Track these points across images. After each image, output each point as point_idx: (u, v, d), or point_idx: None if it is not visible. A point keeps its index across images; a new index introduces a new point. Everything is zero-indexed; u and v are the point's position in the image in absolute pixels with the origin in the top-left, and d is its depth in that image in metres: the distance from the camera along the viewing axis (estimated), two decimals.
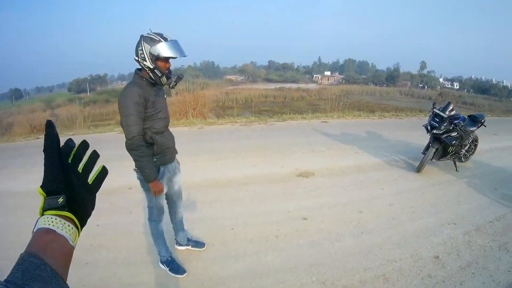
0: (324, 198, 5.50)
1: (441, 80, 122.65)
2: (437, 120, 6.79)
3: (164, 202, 3.58)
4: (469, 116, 7.96)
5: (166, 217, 3.77)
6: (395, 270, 3.90)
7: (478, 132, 7.85)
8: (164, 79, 3.06)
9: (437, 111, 6.88)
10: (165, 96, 3.38)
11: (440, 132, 6.71)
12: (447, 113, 6.84)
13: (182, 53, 2.99)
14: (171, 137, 3.47)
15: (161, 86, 3.20)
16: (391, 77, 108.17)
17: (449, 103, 7.14)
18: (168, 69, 3.10)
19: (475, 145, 8.19)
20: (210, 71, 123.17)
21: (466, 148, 7.76)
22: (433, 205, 5.63)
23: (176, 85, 3.25)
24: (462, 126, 7.06)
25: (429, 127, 6.88)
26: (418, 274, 3.84)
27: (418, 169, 7.00)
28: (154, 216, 3.54)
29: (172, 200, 3.81)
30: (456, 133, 6.90)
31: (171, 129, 3.54)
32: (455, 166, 7.50)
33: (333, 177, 6.39)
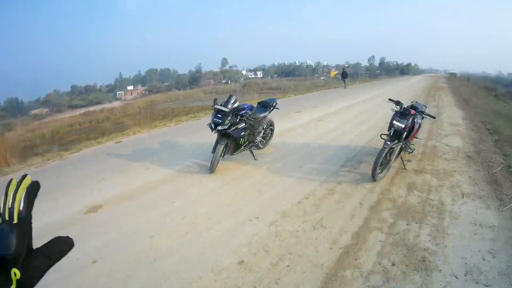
0: (114, 232, 4.78)
1: (244, 72, 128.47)
2: (220, 116, 6.56)
3: None
4: (258, 103, 8.01)
5: None
6: None
7: (279, 113, 7.88)
8: None
9: (218, 107, 6.65)
10: None
11: (226, 127, 6.49)
12: (229, 106, 6.66)
13: None
14: None
15: None
16: (194, 79, 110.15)
17: (230, 96, 6.98)
18: None
19: (272, 129, 8.30)
20: (15, 108, 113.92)
21: (261, 134, 7.77)
22: (229, 204, 5.35)
23: None
24: (250, 115, 7.02)
25: (213, 125, 6.60)
26: None
27: (211, 170, 6.69)
28: None
29: None
30: (244, 124, 6.79)
31: None
32: (253, 155, 7.43)
33: (123, 203, 5.66)
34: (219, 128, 6.48)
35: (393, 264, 3.80)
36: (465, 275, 3.61)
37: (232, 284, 3.51)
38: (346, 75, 33.53)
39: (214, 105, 6.79)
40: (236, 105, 6.85)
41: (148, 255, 4.13)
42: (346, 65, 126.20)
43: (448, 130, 10.97)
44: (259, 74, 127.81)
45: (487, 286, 3.46)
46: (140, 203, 5.53)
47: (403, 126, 6.30)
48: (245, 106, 7.10)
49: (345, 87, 32.42)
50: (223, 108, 6.59)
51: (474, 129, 11.30)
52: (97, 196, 5.83)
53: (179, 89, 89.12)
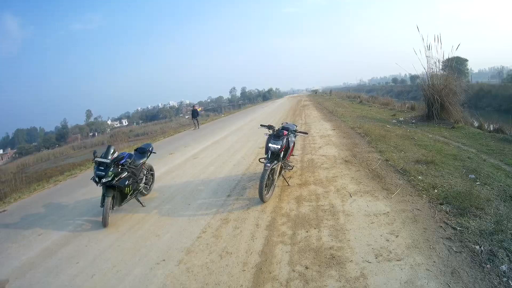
0: None
1: (109, 122, 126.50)
2: (102, 168, 6.35)
3: None
4: (135, 150, 7.97)
5: None
6: None
7: (154, 158, 7.78)
8: None
9: (99, 159, 6.46)
10: None
11: (110, 179, 6.31)
12: (109, 157, 6.51)
13: None
14: None
15: None
16: (61, 135, 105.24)
17: (109, 147, 6.81)
18: None
19: (152, 174, 8.27)
20: None
21: (144, 180, 7.68)
22: (133, 254, 5.17)
23: None
24: (130, 163, 6.92)
25: (97, 179, 6.34)
26: None
27: (104, 224, 6.39)
28: None
29: None
30: (126, 173, 6.70)
31: None
32: (140, 203, 7.27)
33: (28, 274, 5.08)
34: (104, 180, 6.26)
35: (307, 268, 4.00)
36: (376, 258, 3.95)
37: None
38: (197, 113, 29.17)
39: (94, 158, 6.56)
40: (115, 155, 6.70)
41: None
42: (179, 104, 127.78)
43: (321, 142, 11.68)
44: (124, 122, 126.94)
45: (399, 260, 3.83)
46: (44, 270, 5.12)
47: (279, 147, 6.64)
48: (125, 155, 6.98)
49: (197, 127, 27.89)
50: (104, 160, 6.40)
51: (345, 136, 12.20)
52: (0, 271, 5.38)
53: (48, 148, 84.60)
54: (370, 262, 3.86)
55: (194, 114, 28.69)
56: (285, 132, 6.94)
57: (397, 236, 4.34)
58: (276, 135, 6.86)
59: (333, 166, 8.16)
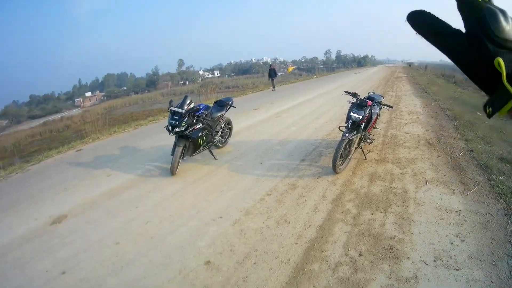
0: (79, 242, 4.55)
1: (201, 72, 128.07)
2: (176, 117, 6.41)
3: None
4: (215, 102, 7.97)
5: None
6: None
7: (237, 111, 7.77)
8: None
9: (174, 109, 6.50)
10: None
11: (183, 129, 6.38)
12: (185, 107, 6.55)
13: None
14: None
15: None
16: (151, 82, 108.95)
17: (185, 97, 6.85)
18: None
19: (230, 128, 8.27)
20: None
21: (220, 133, 7.69)
22: (193, 206, 5.23)
23: None
24: (206, 115, 6.94)
25: (170, 128, 6.44)
26: None
27: (172, 172, 6.51)
28: None
29: None
30: (201, 125, 6.72)
31: None
32: (213, 155, 7.35)
33: (87, 212, 5.42)
34: (176, 130, 6.36)
35: (360, 255, 3.78)
36: (435, 261, 3.62)
37: (201, 285, 3.42)
38: (275, 73, 25.88)
39: (169, 107, 6.63)
40: (191, 106, 6.77)
41: (115, 262, 3.97)
42: (273, 61, 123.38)
43: (408, 118, 11.15)
44: (216, 73, 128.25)
45: (457, 270, 3.47)
46: (103, 211, 5.35)
47: (360, 117, 6.33)
48: (201, 107, 7.05)
49: (273, 89, 25.34)
50: (179, 110, 6.45)
51: (433, 116, 11.54)
52: (61, 207, 5.61)
53: (137, 93, 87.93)
54: (427, 264, 3.56)
55: (271, 74, 25.37)
56: (369, 102, 6.57)
57: (462, 241, 3.96)
58: (359, 104, 6.54)
59: (415, 147, 7.73)
